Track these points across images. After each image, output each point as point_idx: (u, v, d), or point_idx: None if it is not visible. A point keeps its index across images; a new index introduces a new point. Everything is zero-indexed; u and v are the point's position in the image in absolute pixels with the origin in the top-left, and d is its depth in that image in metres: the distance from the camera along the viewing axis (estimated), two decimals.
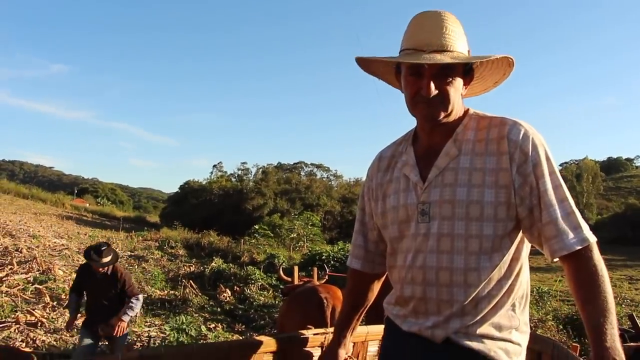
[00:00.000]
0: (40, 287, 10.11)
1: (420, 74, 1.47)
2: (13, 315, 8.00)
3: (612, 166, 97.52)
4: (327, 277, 6.59)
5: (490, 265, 1.45)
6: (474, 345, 1.45)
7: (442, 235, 1.46)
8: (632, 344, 2.77)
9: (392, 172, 1.67)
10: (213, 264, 17.26)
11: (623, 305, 10.78)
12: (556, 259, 1.44)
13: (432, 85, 1.46)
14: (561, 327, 9.35)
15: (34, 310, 8.46)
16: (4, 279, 10.20)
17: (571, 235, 1.39)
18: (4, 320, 7.70)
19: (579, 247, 1.39)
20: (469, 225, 1.44)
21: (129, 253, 20.05)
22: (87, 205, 66.53)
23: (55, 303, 9.21)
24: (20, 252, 13.74)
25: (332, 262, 16.05)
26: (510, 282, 1.48)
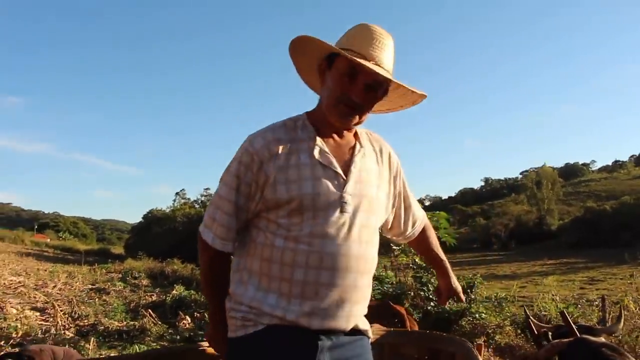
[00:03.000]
0: None
1: (354, 79, 1.58)
2: None
3: (569, 172, 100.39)
4: None
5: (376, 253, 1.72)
6: (365, 327, 1.69)
7: (363, 226, 1.60)
8: (564, 339, 2.83)
9: (296, 157, 1.59)
10: (174, 291, 16.97)
11: (579, 306, 10.93)
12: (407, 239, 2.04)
13: (363, 94, 1.60)
14: (519, 331, 9.44)
15: None
16: None
17: (424, 214, 2.08)
18: None
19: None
20: (376, 219, 1.69)
21: (90, 286, 19.51)
22: (49, 240, 64.87)
23: (2, 342, 8.90)
24: None
25: None
26: None
